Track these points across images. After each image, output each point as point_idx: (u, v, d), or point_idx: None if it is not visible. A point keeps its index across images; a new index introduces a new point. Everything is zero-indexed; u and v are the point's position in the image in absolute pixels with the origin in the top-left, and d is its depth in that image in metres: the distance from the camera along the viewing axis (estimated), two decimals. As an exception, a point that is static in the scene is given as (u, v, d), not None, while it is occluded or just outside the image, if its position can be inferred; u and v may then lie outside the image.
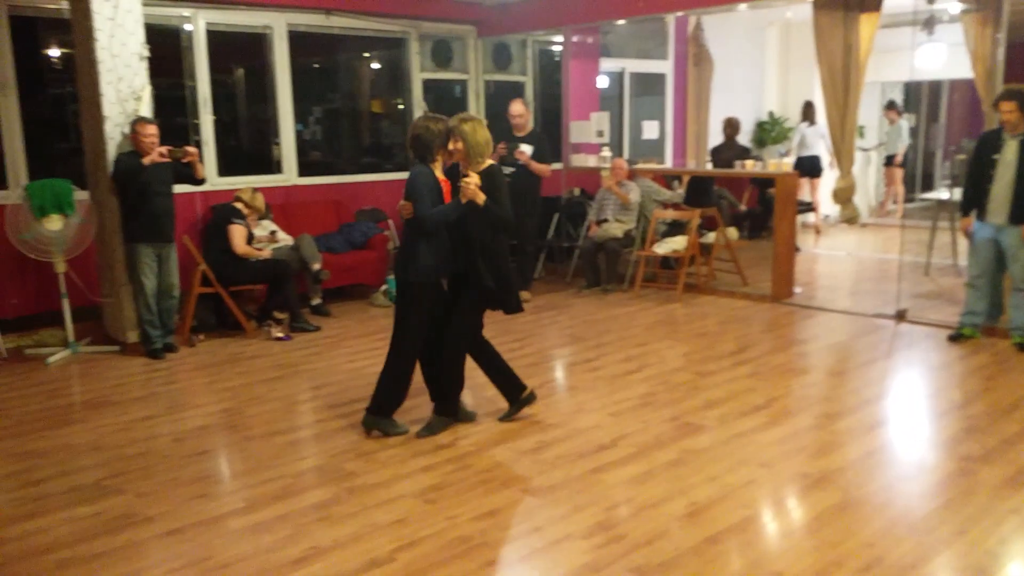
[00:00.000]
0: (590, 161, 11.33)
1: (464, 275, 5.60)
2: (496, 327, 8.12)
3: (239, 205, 8.42)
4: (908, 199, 14.98)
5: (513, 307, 5.71)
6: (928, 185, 16.41)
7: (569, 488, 4.81)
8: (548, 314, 9.08)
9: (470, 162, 5.52)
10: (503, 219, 5.53)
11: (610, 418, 5.91)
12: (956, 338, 7.65)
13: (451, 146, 5.50)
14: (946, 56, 11.38)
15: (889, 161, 15.00)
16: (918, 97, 16.50)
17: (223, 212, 8.35)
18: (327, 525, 4.41)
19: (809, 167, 13.39)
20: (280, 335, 8.19)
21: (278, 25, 9.90)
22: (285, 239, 9.06)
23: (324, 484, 4.93)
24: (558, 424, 5.81)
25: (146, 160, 7.32)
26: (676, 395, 6.39)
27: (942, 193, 11.12)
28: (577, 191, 11.83)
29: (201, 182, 7.98)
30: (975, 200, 7.46)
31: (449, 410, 5.76)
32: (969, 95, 15.93)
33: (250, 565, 4.03)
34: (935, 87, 16.81)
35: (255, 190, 8.66)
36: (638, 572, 3.89)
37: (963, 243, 8.29)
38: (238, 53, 10.27)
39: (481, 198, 5.39)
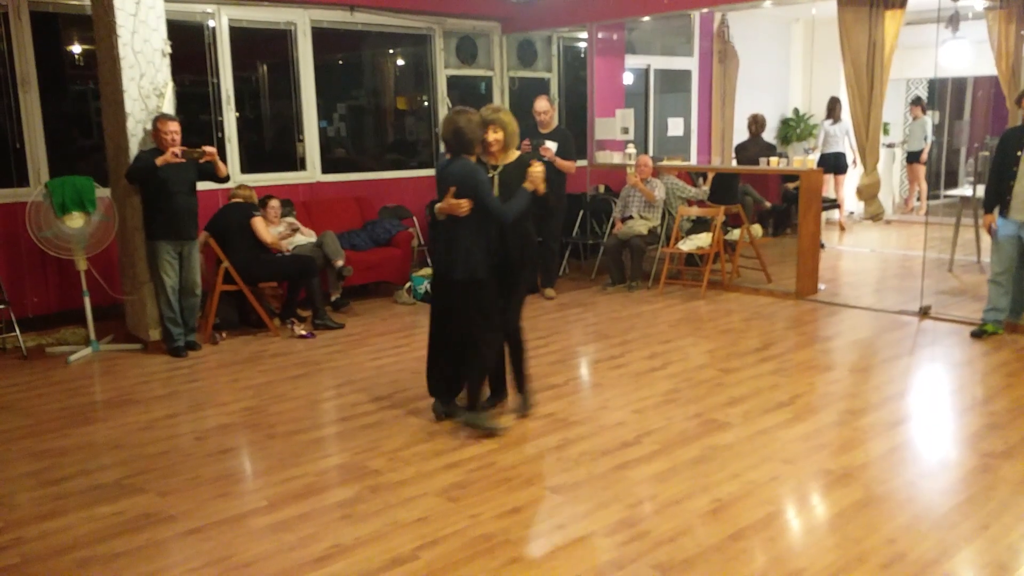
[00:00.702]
0: (615, 158, 11.29)
1: (505, 265, 5.63)
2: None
3: (239, 201, 8.41)
4: (932, 196, 14.87)
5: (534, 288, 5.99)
6: (952, 182, 16.29)
7: (592, 485, 4.80)
8: (573, 311, 9.06)
9: (504, 151, 5.59)
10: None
11: (634, 415, 5.89)
12: (979, 334, 7.60)
13: (491, 136, 5.54)
14: (970, 53, 11.32)
15: (912, 158, 14.88)
16: (943, 94, 16.38)
17: (239, 211, 8.26)
18: (350, 523, 4.41)
19: (834, 164, 13.33)
20: (303, 333, 8.20)
21: (301, 21, 9.93)
22: (308, 234, 9.07)
23: (347, 482, 4.93)
24: (582, 421, 5.80)
25: (159, 161, 7.28)
26: (700, 392, 6.37)
27: (966, 190, 11.05)
28: (602, 188, 11.82)
29: (225, 180, 7.94)
30: (998, 197, 7.42)
31: (524, 387, 5.94)
32: (993, 92, 15.82)
33: (272, 564, 4.03)
34: (959, 84, 16.67)
35: (249, 187, 8.68)
36: (661, 569, 3.87)
37: (986, 240, 8.24)
38: (262, 49, 10.28)
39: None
